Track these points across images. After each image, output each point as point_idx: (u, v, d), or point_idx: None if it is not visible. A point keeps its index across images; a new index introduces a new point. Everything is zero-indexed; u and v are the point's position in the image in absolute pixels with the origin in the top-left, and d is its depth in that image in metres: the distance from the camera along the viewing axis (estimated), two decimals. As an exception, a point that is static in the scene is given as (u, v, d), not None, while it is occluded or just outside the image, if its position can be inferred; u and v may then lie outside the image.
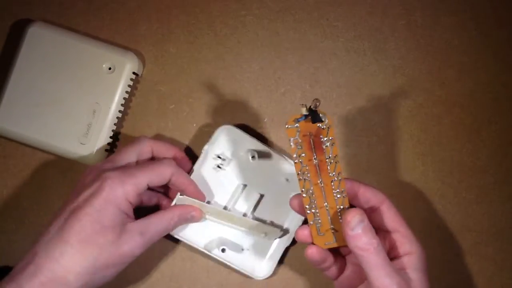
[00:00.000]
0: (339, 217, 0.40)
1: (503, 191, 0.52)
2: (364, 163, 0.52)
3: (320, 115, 0.37)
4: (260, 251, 0.50)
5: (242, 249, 0.50)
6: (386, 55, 0.53)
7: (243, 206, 0.50)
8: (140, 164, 0.45)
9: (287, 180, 0.50)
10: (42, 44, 0.50)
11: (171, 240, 0.50)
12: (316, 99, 0.37)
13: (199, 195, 0.48)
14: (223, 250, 0.49)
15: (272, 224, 0.50)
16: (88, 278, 0.39)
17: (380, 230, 0.41)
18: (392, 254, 0.40)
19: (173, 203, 0.47)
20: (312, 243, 0.41)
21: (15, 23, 0.54)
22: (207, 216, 0.48)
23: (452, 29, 0.54)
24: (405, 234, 0.40)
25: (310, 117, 0.37)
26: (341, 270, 0.44)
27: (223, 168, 0.50)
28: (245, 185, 0.50)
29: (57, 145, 0.50)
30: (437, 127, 0.53)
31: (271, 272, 0.50)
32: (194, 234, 0.49)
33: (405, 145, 0.53)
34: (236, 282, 0.51)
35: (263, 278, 0.50)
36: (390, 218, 0.41)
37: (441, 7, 0.54)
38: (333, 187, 0.39)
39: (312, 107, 0.37)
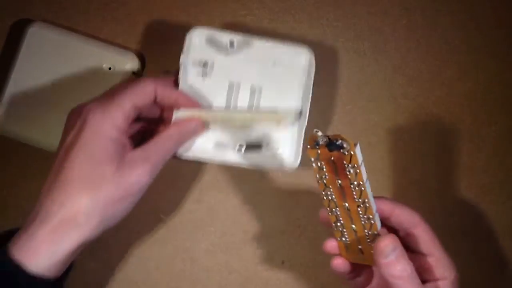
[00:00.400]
0: (367, 240, 0.38)
1: (503, 191, 0.52)
2: (364, 163, 0.52)
3: (340, 142, 0.34)
4: (280, 141, 0.45)
5: (260, 146, 0.45)
6: (386, 55, 0.53)
7: (243, 107, 0.46)
8: (116, 89, 0.41)
9: (274, 64, 0.46)
10: (42, 44, 0.51)
11: (169, 249, 0.50)
12: (324, 135, 0.34)
13: (193, 104, 0.44)
14: (240, 149, 0.45)
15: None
16: (99, 216, 0.38)
17: (413, 252, 0.40)
18: (424, 277, 0.39)
19: (172, 121, 0.43)
20: (340, 254, 0.41)
21: (15, 23, 0.54)
22: (211, 126, 0.44)
23: (452, 29, 0.54)
24: (440, 258, 0.39)
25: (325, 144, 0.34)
26: (367, 281, 0.42)
27: (208, 75, 0.46)
28: (238, 84, 0.46)
29: (57, 145, 0.50)
30: (437, 127, 0.53)
31: (299, 160, 0.45)
32: (203, 148, 0.45)
33: (405, 145, 0.53)
34: (236, 282, 0.51)
35: (294, 167, 0.45)
36: (426, 242, 0.39)
37: (441, 7, 0.54)
38: (360, 213, 0.37)
39: (329, 137, 0.34)
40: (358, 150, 0.35)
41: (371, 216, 0.37)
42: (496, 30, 0.54)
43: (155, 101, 0.42)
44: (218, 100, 0.46)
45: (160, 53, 0.54)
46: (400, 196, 0.52)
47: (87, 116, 0.39)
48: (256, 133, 0.46)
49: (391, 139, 0.53)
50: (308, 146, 0.35)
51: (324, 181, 0.37)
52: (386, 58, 0.53)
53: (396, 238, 0.37)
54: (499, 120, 0.53)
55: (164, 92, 0.42)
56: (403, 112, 0.53)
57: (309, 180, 0.51)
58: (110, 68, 0.51)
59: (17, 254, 0.37)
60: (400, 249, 0.37)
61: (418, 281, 0.37)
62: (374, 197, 0.38)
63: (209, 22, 0.53)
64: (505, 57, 0.53)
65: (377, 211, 0.38)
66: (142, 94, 0.41)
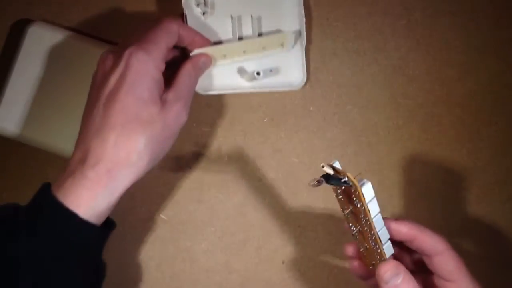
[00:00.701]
0: (378, 260, 0.39)
1: (503, 191, 0.52)
2: (364, 163, 0.52)
3: (344, 179, 0.34)
4: (287, 62, 0.51)
5: (271, 71, 0.51)
6: (386, 55, 0.53)
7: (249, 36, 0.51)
8: (145, 31, 0.43)
9: None
10: (42, 44, 0.51)
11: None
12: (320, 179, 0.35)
13: (207, 42, 0.48)
14: (258, 74, 0.49)
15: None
16: (150, 154, 0.39)
17: (436, 275, 0.39)
18: None
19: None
20: (358, 258, 0.41)
21: (15, 23, 0.54)
22: (220, 62, 0.49)
23: (452, 29, 0.54)
24: (461, 286, 0.38)
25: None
26: None
27: (210, 13, 0.50)
28: (239, 17, 0.50)
29: (57, 145, 0.50)
30: (437, 127, 0.53)
31: (305, 78, 0.51)
32: (221, 82, 0.51)
33: (405, 145, 0.53)
34: (236, 282, 0.51)
35: (301, 85, 0.51)
36: (449, 270, 0.38)
37: (441, 7, 0.54)
38: (369, 239, 0.38)
39: (336, 170, 0.35)
40: (366, 189, 0.35)
41: (378, 246, 0.37)
42: (496, 30, 0.54)
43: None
44: (225, 34, 0.50)
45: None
46: (400, 196, 0.52)
47: (130, 58, 0.39)
48: (266, 60, 0.51)
49: (391, 139, 0.53)
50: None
51: (342, 198, 0.38)
52: (386, 58, 0.53)
53: (399, 264, 0.37)
54: (499, 120, 0.53)
55: (185, 32, 0.45)
56: (403, 112, 0.53)
57: (309, 179, 0.51)
58: (110, 68, 0.51)
59: (67, 199, 0.37)
60: (403, 275, 0.36)
61: None
62: (396, 220, 0.38)
63: None
64: (505, 57, 0.53)
65: (390, 238, 0.38)
66: (173, 33, 0.43)
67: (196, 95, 0.53)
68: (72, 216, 0.37)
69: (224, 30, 0.50)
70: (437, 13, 0.54)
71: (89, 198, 0.37)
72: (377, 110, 0.53)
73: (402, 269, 0.37)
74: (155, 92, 0.40)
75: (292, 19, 0.51)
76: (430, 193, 0.52)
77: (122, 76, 0.39)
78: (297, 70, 0.51)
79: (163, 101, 0.41)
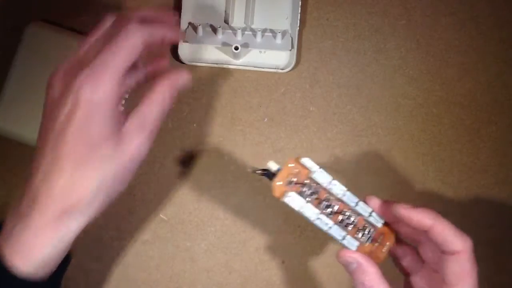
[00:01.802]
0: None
1: (503, 191, 0.52)
2: (364, 163, 0.52)
3: (267, 169, 0.37)
4: (277, 44, 0.52)
5: (260, 52, 0.52)
6: (386, 55, 0.53)
7: (239, 18, 0.53)
8: (101, 45, 0.36)
9: None
10: (41, 44, 0.50)
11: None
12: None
13: (169, 21, 0.40)
14: (236, 48, 0.50)
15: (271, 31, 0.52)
16: (102, 197, 0.36)
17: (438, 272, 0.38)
18: None
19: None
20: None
21: (14, 23, 0.54)
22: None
23: (452, 29, 0.54)
24: None
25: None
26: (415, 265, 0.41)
27: None
28: None
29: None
30: (437, 127, 0.53)
31: (294, 60, 0.52)
32: (208, 55, 0.52)
33: (405, 145, 0.53)
34: (236, 282, 0.51)
35: (289, 68, 0.52)
36: (454, 272, 0.37)
37: (441, 7, 0.54)
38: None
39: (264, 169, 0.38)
40: (305, 160, 0.38)
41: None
42: (496, 30, 0.54)
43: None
44: (216, 15, 0.52)
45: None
46: (400, 196, 0.52)
47: (79, 93, 0.34)
48: (257, 39, 0.52)
49: (391, 139, 0.53)
50: (280, 183, 0.37)
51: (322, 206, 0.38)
52: (386, 58, 0.53)
53: (359, 256, 0.37)
54: (499, 120, 0.53)
55: (153, 37, 0.37)
56: (403, 112, 0.53)
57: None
58: (110, 68, 0.51)
59: (10, 250, 0.35)
60: (358, 264, 0.37)
61: None
62: (418, 207, 0.38)
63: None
64: (505, 57, 0.53)
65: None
66: (133, 51, 0.36)
67: (195, 93, 0.53)
68: (9, 275, 0.34)
69: (214, 12, 0.53)
70: (437, 13, 0.54)
71: (36, 248, 0.35)
72: (377, 110, 0.53)
73: (358, 259, 0.37)
74: (108, 130, 0.35)
75: (287, 12, 0.52)
76: (430, 193, 0.52)
77: (70, 114, 0.35)
78: (285, 52, 0.52)
79: (122, 134, 0.36)
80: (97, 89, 0.34)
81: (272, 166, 0.37)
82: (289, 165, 0.37)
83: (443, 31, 0.54)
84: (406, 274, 0.41)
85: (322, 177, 0.37)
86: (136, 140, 0.36)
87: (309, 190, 0.37)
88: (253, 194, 0.52)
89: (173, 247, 0.52)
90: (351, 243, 0.38)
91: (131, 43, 0.36)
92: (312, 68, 0.53)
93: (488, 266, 0.51)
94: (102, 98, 0.35)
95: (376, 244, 0.39)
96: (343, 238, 0.38)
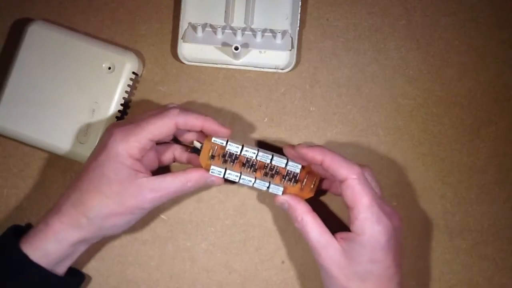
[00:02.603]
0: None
1: (503, 191, 0.52)
2: (364, 163, 0.52)
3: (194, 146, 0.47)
4: (277, 44, 0.52)
5: (260, 52, 0.53)
6: (386, 55, 0.53)
7: (239, 19, 0.53)
8: (143, 117, 0.45)
9: None
10: (42, 43, 0.50)
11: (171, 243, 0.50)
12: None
13: (219, 130, 0.46)
14: (236, 49, 0.50)
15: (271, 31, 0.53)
16: (99, 223, 0.44)
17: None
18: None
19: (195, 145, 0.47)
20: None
21: (15, 22, 0.54)
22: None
23: (452, 29, 0.54)
24: (358, 213, 0.42)
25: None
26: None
27: None
28: None
29: (56, 144, 0.50)
30: (437, 127, 0.53)
31: (294, 60, 0.52)
32: (207, 55, 0.53)
33: (405, 145, 0.53)
34: (236, 282, 0.51)
35: (289, 69, 0.53)
36: (347, 196, 0.42)
37: (441, 7, 0.54)
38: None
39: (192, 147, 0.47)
40: (215, 139, 0.45)
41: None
42: (496, 30, 0.54)
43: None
44: (217, 15, 0.53)
45: (160, 53, 0.54)
46: (400, 196, 0.52)
47: (108, 140, 0.44)
48: (257, 40, 0.53)
49: (391, 139, 0.53)
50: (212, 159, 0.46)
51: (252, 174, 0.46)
52: (386, 58, 0.53)
53: (281, 197, 0.45)
54: (499, 120, 0.53)
55: (188, 123, 0.45)
56: (403, 112, 0.53)
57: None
58: (110, 68, 0.51)
59: (28, 243, 0.44)
60: (289, 205, 0.45)
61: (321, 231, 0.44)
62: (313, 146, 0.44)
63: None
64: (505, 57, 0.53)
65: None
66: (163, 130, 0.44)
67: (195, 93, 0.53)
68: (26, 261, 0.43)
69: (215, 12, 0.53)
70: (437, 13, 0.54)
71: (42, 240, 0.44)
72: (377, 110, 0.53)
73: (286, 199, 0.45)
74: (122, 175, 0.43)
75: (287, 12, 0.53)
76: (430, 193, 0.52)
77: (98, 153, 0.44)
78: (285, 52, 0.53)
79: (133, 183, 0.43)
80: (122, 144, 0.43)
81: (197, 144, 0.46)
82: (207, 142, 0.45)
83: (443, 31, 0.54)
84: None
85: (233, 148, 0.45)
86: (141, 197, 0.44)
87: (230, 158, 0.45)
88: (253, 194, 0.52)
89: (173, 247, 0.52)
90: (276, 188, 0.46)
91: (165, 121, 0.44)
92: (312, 68, 0.53)
93: (488, 266, 0.51)
94: (123, 152, 0.43)
95: (304, 184, 0.46)
96: (268, 187, 0.46)
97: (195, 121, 0.45)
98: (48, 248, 0.43)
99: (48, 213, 0.45)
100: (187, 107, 0.47)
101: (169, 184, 0.44)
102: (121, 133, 0.44)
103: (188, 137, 0.48)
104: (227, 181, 0.46)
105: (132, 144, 0.43)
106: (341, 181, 0.43)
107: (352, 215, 0.42)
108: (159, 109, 0.46)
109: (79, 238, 0.44)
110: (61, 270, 0.45)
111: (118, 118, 0.51)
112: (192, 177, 0.45)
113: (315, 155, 0.43)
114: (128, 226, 0.45)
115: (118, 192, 0.43)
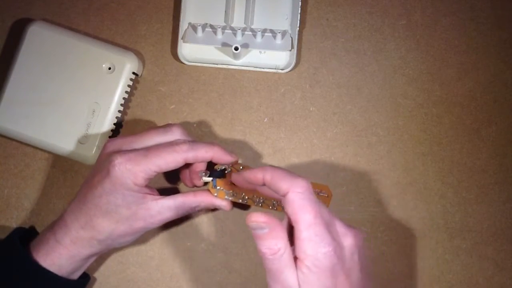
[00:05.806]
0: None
1: (503, 191, 0.52)
2: (364, 163, 0.52)
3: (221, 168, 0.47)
4: (276, 45, 0.52)
5: (260, 52, 0.53)
6: (386, 55, 0.53)
7: (239, 19, 0.53)
8: (149, 148, 0.44)
9: None
10: (42, 44, 0.50)
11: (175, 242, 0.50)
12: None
13: (227, 159, 0.46)
14: (236, 49, 0.50)
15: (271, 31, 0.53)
16: (110, 242, 0.45)
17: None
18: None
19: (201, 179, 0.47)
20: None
21: (15, 22, 0.54)
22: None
23: (452, 29, 0.54)
24: (299, 233, 0.37)
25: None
26: None
27: None
28: None
29: (57, 145, 0.50)
30: (437, 127, 0.53)
31: (294, 61, 0.52)
32: (207, 56, 0.53)
33: (405, 145, 0.53)
34: (236, 282, 0.51)
35: (289, 69, 0.53)
36: (289, 214, 0.37)
37: (441, 7, 0.54)
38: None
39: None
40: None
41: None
42: (496, 30, 0.54)
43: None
44: (217, 15, 0.53)
45: (160, 53, 0.54)
46: (400, 196, 0.52)
47: (113, 168, 0.43)
48: (257, 40, 0.52)
49: (391, 139, 0.53)
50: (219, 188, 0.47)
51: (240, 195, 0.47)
52: (386, 58, 0.53)
53: (268, 218, 0.37)
54: (499, 120, 0.53)
55: (197, 156, 0.45)
56: (403, 112, 0.53)
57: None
58: (110, 68, 0.51)
59: (41, 257, 0.44)
60: (271, 227, 0.37)
61: (287, 261, 0.37)
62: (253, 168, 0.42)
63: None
64: (505, 57, 0.53)
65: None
66: (170, 163, 0.44)
67: (195, 93, 0.53)
68: (45, 272, 0.44)
69: (214, 13, 0.53)
70: (437, 13, 0.54)
71: (55, 257, 0.44)
72: (377, 110, 0.53)
73: (271, 222, 0.37)
74: (130, 200, 0.43)
75: (288, 12, 0.53)
76: (430, 193, 0.52)
77: (102, 180, 0.43)
78: (285, 52, 0.52)
79: (141, 206, 0.44)
80: (127, 173, 0.43)
81: (206, 180, 0.47)
82: (221, 192, 0.47)
83: (443, 31, 0.54)
84: None
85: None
86: (150, 219, 0.44)
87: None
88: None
89: (173, 247, 0.52)
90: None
91: (174, 156, 0.44)
92: (312, 68, 0.53)
93: (488, 266, 0.51)
94: (129, 179, 0.43)
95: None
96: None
97: (204, 155, 0.45)
98: (62, 263, 0.45)
99: (56, 227, 0.45)
100: (194, 140, 0.46)
101: (178, 207, 0.45)
102: (125, 163, 0.43)
103: (196, 168, 0.47)
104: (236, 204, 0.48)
105: (138, 174, 0.43)
106: (283, 197, 0.38)
107: (295, 235, 0.37)
108: (164, 129, 0.45)
109: (91, 253, 0.45)
110: (74, 277, 0.47)
111: (118, 118, 0.51)
112: (203, 200, 0.46)
113: (256, 174, 0.40)
114: (134, 240, 0.47)
115: (127, 217, 0.44)
